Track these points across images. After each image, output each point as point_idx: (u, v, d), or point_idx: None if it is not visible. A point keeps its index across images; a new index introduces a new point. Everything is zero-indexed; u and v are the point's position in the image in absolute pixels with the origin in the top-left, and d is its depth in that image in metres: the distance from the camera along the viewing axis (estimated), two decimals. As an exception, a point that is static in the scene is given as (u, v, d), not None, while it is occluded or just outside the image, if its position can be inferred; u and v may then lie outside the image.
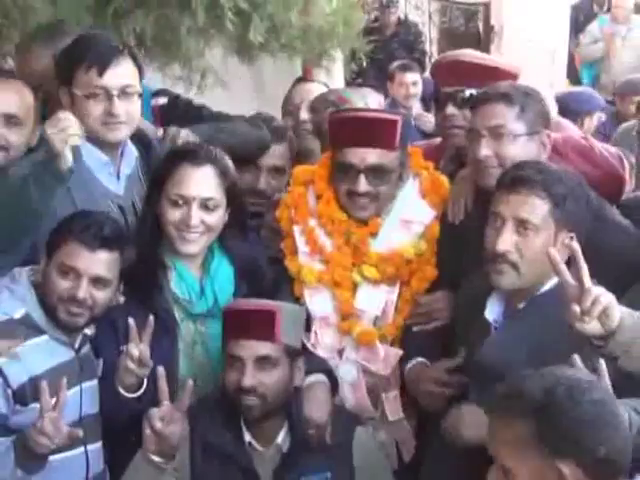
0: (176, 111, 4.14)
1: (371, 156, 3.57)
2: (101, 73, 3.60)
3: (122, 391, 3.28)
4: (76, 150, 3.56)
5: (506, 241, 3.09)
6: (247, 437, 3.33)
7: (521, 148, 3.44)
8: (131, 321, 3.26)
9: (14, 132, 3.63)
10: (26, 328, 3.23)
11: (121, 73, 3.64)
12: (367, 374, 3.63)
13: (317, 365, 3.52)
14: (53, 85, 3.79)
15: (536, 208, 3.09)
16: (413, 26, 10.96)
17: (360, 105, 4.09)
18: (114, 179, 3.75)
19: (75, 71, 3.63)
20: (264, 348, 3.26)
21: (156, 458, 3.14)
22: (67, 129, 3.40)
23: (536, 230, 3.08)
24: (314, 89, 4.77)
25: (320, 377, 3.48)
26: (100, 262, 3.23)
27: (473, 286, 3.36)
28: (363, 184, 3.57)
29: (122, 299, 3.42)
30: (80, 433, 3.11)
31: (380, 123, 3.63)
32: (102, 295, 3.26)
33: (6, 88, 3.67)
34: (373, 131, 3.60)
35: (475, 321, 3.20)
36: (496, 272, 3.10)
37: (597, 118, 7.48)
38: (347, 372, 3.61)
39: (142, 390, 3.29)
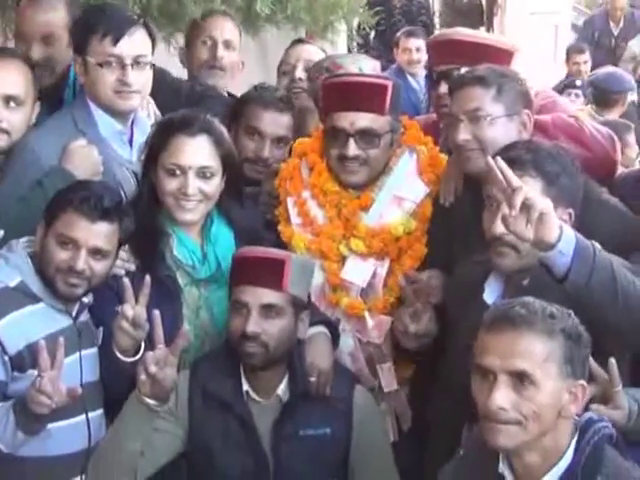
0: None
1: (361, 120, 3.61)
2: (116, 42, 3.67)
3: (118, 354, 3.29)
4: (91, 118, 3.71)
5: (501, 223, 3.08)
6: (245, 386, 3.36)
7: (500, 130, 3.43)
8: (125, 280, 3.28)
9: (16, 113, 3.65)
10: (22, 296, 3.24)
11: (135, 43, 3.71)
12: (363, 344, 3.67)
13: (319, 317, 3.56)
14: (61, 36, 3.93)
15: (529, 188, 3.05)
16: (417, -1, 10.94)
17: (354, 69, 4.06)
18: (127, 147, 3.84)
19: (90, 39, 3.70)
20: (270, 296, 3.30)
21: (150, 401, 3.16)
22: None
23: None
24: (310, 49, 4.79)
25: (322, 328, 3.52)
26: (99, 233, 3.24)
27: (467, 271, 3.38)
28: (353, 148, 3.61)
29: (133, 267, 3.46)
30: (79, 390, 3.12)
31: (370, 87, 3.66)
32: (101, 266, 3.27)
33: (5, 67, 3.66)
34: (363, 95, 3.63)
35: (472, 305, 3.19)
36: (497, 254, 3.10)
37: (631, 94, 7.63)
38: (345, 343, 3.65)
39: (139, 355, 3.29)
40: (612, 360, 2.88)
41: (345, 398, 3.41)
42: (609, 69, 8.29)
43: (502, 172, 2.76)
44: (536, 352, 2.50)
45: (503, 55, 3.87)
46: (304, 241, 3.71)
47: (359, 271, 3.66)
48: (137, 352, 3.31)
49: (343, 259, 3.68)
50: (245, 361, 3.34)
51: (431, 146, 3.77)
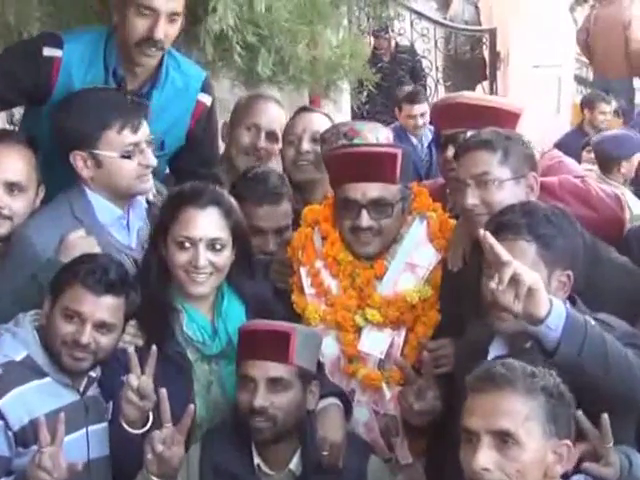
0: None
1: (372, 190, 3.59)
2: (136, 130, 3.65)
3: (125, 426, 3.25)
4: (89, 206, 3.65)
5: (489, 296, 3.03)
6: (256, 460, 3.32)
7: (508, 193, 3.41)
8: (130, 350, 3.26)
9: (18, 200, 3.62)
10: (28, 370, 3.21)
11: (144, 125, 3.70)
12: (379, 415, 3.63)
13: (331, 388, 3.52)
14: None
15: (524, 252, 3.03)
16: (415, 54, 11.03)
17: (371, 138, 4.06)
18: (125, 232, 3.77)
19: (101, 134, 3.63)
20: (277, 370, 3.26)
21: None
22: None
23: None
24: (316, 119, 4.67)
25: (334, 400, 3.48)
26: (105, 307, 3.22)
27: (473, 334, 3.35)
28: (365, 219, 3.59)
29: (140, 342, 3.41)
30: (79, 466, 3.08)
31: (380, 157, 3.65)
32: (106, 340, 3.25)
33: (8, 154, 3.64)
34: (373, 165, 3.61)
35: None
36: (497, 318, 3.05)
37: (637, 159, 7.20)
38: (360, 413, 3.61)
39: (147, 427, 3.26)
40: (605, 416, 2.85)
41: (359, 469, 3.36)
42: (616, 132, 8.07)
43: (491, 246, 2.75)
44: (517, 411, 2.53)
45: (509, 117, 3.87)
46: (319, 312, 3.67)
47: (376, 342, 3.62)
48: (145, 424, 3.27)
49: (359, 330, 3.64)
50: (255, 436, 3.30)
51: (440, 212, 3.75)
